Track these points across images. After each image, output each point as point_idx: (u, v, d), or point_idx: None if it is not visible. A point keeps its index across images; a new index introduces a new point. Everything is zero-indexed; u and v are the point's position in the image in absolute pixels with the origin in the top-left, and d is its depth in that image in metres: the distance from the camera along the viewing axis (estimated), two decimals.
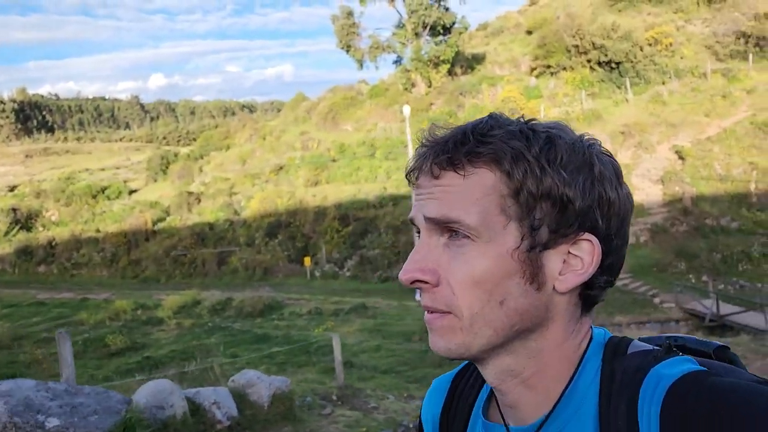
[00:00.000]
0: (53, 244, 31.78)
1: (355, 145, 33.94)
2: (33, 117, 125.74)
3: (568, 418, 0.66)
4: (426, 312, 0.67)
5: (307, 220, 28.73)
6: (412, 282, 0.65)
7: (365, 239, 26.48)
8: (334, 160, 33.22)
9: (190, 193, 34.28)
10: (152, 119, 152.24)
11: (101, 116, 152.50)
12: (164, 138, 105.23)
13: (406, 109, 22.93)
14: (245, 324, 15.87)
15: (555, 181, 0.63)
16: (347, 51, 38.78)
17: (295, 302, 18.95)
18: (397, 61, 38.97)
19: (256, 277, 26.30)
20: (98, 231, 32.12)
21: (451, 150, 0.64)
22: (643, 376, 0.62)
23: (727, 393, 0.55)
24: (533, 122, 0.67)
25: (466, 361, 0.81)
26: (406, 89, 37.49)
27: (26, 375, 8.92)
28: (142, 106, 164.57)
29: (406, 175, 0.69)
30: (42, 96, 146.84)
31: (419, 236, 0.68)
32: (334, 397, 6.71)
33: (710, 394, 0.56)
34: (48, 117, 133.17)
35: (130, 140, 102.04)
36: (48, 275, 30.07)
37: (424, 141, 0.68)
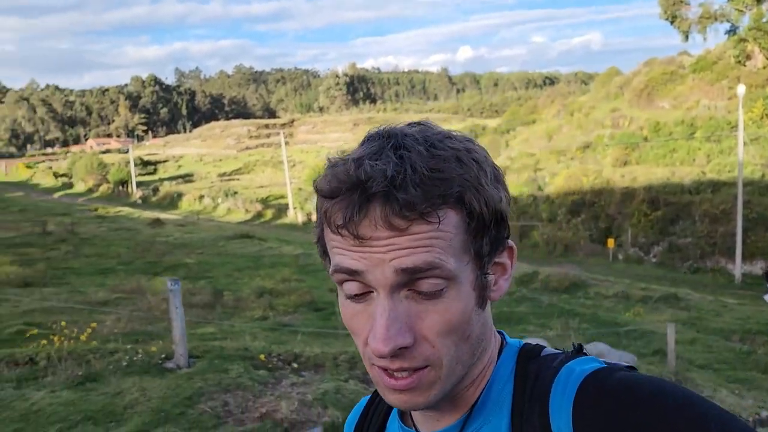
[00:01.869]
0: None
1: (671, 124, 31.85)
2: (359, 89, 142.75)
3: (485, 419, 0.67)
4: (388, 375, 0.62)
5: (613, 200, 28.24)
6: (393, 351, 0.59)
7: (676, 226, 25.13)
8: (646, 140, 31.73)
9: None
10: (458, 91, 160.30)
11: (414, 88, 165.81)
12: (468, 110, 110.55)
13: (741, 89, 20.95)
14: (552, 298, 16.75)
15: (495, 201, 0.63)
16: (671, 22, 36.16)
17: (600, 283, 19.16)
18: (731, 31, 35.04)
19: (556, 254, 26.95)
20: None
21: (414, 197, 0.58)
22: (555, 373, 0.63)
23: (634, 384, 0.57)
24: (438, 133, 0.64)
25: None
26: (739, 62, 33.60)
27: None
28: (450, 79, 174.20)
29: (333, 224, 0.61)
30: (367, 70, 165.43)
31: (360, 296, 0.62)
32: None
33: (619, 385, 0.58)
34: (371, 89, 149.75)
35: (438, 111, 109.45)
36: None
37: (343, 177, 0.59)
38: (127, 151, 69.34)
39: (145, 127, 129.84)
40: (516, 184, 33.23)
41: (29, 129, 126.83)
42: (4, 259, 19.67)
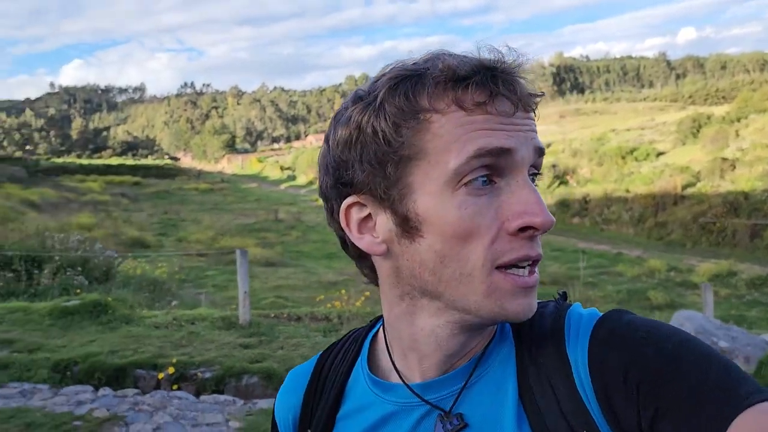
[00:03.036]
0: (587, 199, 35.34)
1: None
2: (566, 79, 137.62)
3: (492, 353, 0.67)
4: (518, 275, 0.59)
5: None
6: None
7: None
8: None
9: (724, 159, 32.80)
10: (677, 77, 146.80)
11: (626, 75, 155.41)
12: (689, 97, 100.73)
13: None
14: None
15: None
16: None
17: None
18: None
19: None
20: (627, 191, 34.11)
21: (535, 90, 0.62)
22: (563, 317, 0.64)
23: (644, 324, 0.60)
24: None
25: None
26: None
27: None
28: (669, 63, 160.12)
29: (472, 103, 0.58)
30: (574, 59, 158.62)
31: (487, 183, 0.59)
32: None
33: (630, 324, 0.60)
34: (579, 78, 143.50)
35: (654, 99, 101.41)
36: (581, 227, 33.76)
37: (474, 60, 0.60)
38: None
39: None
40: (748, 179, 29.92)
41: (260, 127, 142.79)
42: (250, 242, 22.76)
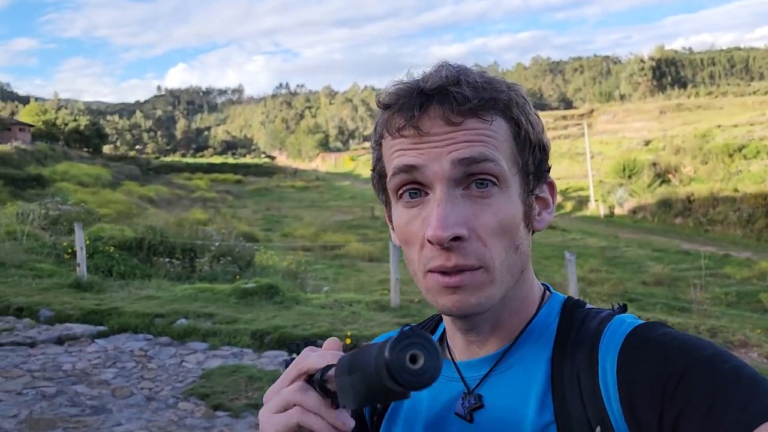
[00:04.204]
0: (691, 199, 34.24)
1: None
2: (667, 73, 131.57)
3: (527, 349, 0.69)
4: (442, 274, 0.63)
5: None
6: (450, 240, 0.61)
7: None
8: None
9: None
10: None
11: (733, 68, 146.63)
12: None
13: None
14: None
15: (539, 128, 0.68)
16: None
17: None
18: None
19: None
20: (735, 191, 32.77)
21: (470, 96, 0.62)
22: (607, 321, 0.66)
23: (677, 338, 0.61)
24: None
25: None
26: None
27: None
28: None
29: (394, 129, 0.65)
30: (675, 51, 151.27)
31: (416, 195, 0.65)
32: None
33: (663, 336, 0.61)
34: (681, 72, 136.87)
35: (765, 93, 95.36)
36: (684, 227, 32.80)
37: (403, 86, 0.66)
38: None
39: None
40: None
41: (351, 126, 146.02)
42: (351, 238, 23.99)
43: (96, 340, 6.08)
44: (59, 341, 6.00)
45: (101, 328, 6.37)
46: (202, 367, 5.42)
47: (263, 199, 45.10)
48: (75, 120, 73.24)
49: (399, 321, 6.64)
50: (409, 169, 0.63)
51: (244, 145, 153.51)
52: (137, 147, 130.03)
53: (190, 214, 26.02)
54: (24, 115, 72.87)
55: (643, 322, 0.65)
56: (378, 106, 0.68)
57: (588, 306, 0.72)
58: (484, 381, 0.70)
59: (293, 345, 0.65)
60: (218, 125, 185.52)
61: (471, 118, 0.63)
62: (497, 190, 0.64)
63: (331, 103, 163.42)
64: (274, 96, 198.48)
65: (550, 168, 0.71)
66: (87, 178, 38.56)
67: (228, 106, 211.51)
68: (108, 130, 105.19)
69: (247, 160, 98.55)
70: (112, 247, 10.22)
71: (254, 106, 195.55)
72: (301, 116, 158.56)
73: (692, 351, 0.58)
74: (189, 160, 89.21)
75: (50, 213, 13.16)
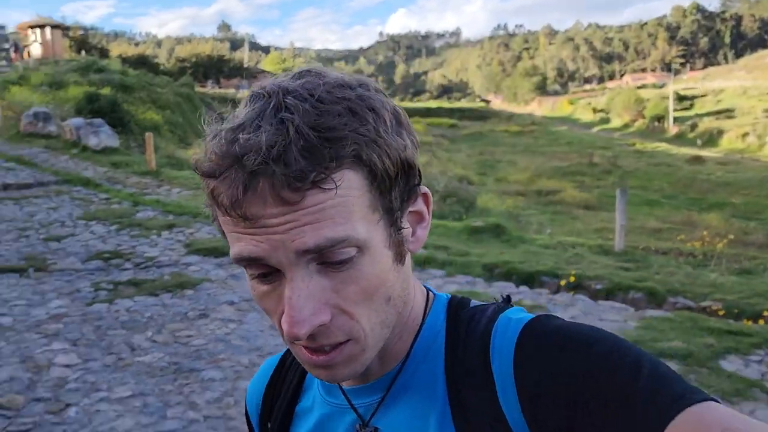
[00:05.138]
0: None
1: None
2: None
3: (417, 365, 0.65)
4: (308, 350, 0.57)
5: None
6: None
7: None
8: None
9: None
10: None
11: None
12: None
13: None
14: None
15: (398, 151, 0.56)
16: None
17: None
18: None
19: None
20: None
21: (304, 165, 0.51)
22: (493, 320, 0.62)
23: (572, 330, 0.57)
24: (326, 83, 0.55)
25: None
26: None
27: None
28: None
29: (222, 206, 0.53)
30: None
31: (267, 276, 0.56)
32: None
33: (558, 330, 0.58)
34: None
35: None
36: None
37: (219, 152, 0.52)
38: (663, 86, 69.25)
39: (682, 60, 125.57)
40: None
41: (572, 67, 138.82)
42: (567, 185, 23.67)
43: None
44: None
45: None
46: (441, 290, 6.29)
47: (477, 144, 45.69)
48: None
49: (622, 265, 6.90)
50: (250, 260, 0.55)
51: (460, 89, 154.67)
52: None
53: None
54: (266, 63, 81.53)
55: (530, 317, 0.62)
56: (194, 170, 0.56)
57: (473, 303, 0.68)
58: (378, 410, 0.66)
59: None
60: (435, 69, 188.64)
61: (311, 192, 0.52)
62: (358, 256, 0.55)
63: (550, 44, 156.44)
64: (491, 38, 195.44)
65: (419, 180, 0.61)
66: None
67: (445, 50, 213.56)
68: None
69: (462, 104, 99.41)
70: None
71: (471, 49, 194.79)
72: (519, 58, 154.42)
73: (589, 347, 0.55)
74: (407, 104, 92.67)
75: None
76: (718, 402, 0.50)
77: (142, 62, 43.95)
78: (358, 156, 0.53)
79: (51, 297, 5.92)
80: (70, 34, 43.18)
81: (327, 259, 0.54)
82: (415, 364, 0.65)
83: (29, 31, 36.26)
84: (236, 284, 6.32)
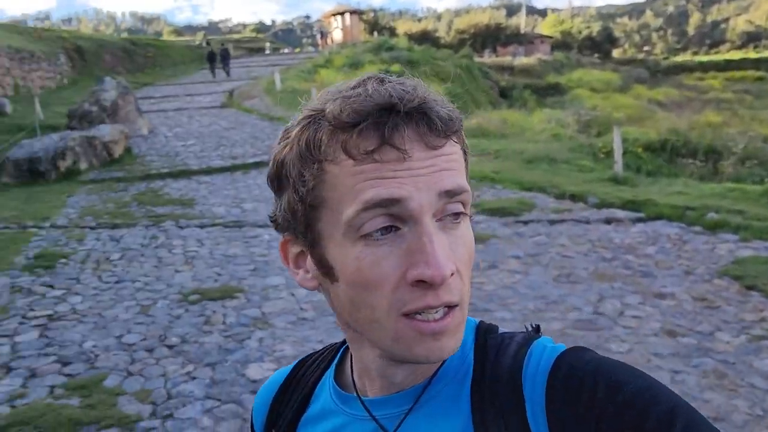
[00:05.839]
0: None
1: None
2: None
3: (445, 383, 0.65)
4: (423, 322, 0.57)
5: None
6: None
7: None
8: None
9: None
10: None
11: None
12: None
13: None
14: None
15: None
16: None
17: None
18: None
19: None
20: None
21: (445, 117, 0.57)
22: (526, 346, 0.63)
23: (605, 366, 0.57)
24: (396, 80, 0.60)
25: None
26: None
27: None
28: None
29: (361, 152, 0.55)
30: None
31: (387, 231, 0.57)
32: None
33: (590, 365, 0.58)
34: None
35: None
36: None
37: (367, 102, 0.55)
38: None
39: None
40: None
41: None
42: None
43: (636, 224, 7.32)
44: (606, 221, 7.45)
45: (639, 214, 7.57)
46: (734, 255, 6.05)
47: None
48: (588, 27, 76.38)
49: None
50: (389, 203, 0.55)
51: None
52: (645, 48, 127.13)
53: (702, 116, 25.08)
54: (544, 27, 79.85)
55: (565, 348, 0.62)
56: (331, 123, 0.57)
57: (501, 331, 0.69)
58: (404, 421, 0.66)
59: None
60: (738, 15, 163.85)
61: (448, 142, 0.58)
62: (463, 219, 0.60)
63: None
64: None
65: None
66: (598, 84, 40.59)
67: None
68: (617, 33, 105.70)
69: None
70: (640, 148, 11.34)
71: None
72: None
73: (622, 384, 0.55)
74: (701, 57, 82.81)
75: (581, 119, 15.17)
76: None
77: (425, 38, 46.83)
78: (461, 130, 0.61)
79: None
80: (364, 17, 47.90)
81: (447, 211, 0.58)
82: (443, 382, 0.66)
83: (332, 18, 41.18)
84: (521, 241, 6.88)
